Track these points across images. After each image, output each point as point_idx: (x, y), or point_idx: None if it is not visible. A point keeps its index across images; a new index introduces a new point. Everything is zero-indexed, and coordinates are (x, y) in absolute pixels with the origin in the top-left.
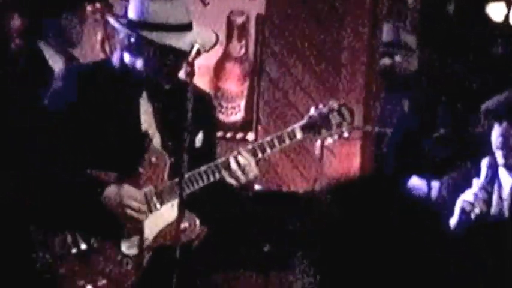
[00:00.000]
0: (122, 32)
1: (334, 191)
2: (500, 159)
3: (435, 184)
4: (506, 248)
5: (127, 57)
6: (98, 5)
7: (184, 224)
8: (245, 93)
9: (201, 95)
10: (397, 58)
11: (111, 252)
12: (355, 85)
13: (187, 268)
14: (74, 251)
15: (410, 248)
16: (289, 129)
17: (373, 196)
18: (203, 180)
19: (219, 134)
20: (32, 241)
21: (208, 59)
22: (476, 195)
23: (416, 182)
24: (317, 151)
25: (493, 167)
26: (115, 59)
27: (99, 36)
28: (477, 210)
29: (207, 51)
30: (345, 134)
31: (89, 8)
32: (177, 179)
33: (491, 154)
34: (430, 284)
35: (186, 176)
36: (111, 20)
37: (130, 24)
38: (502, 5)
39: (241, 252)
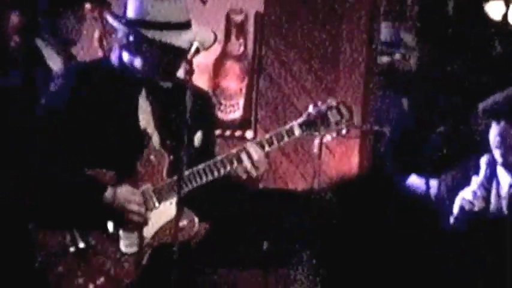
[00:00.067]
0: (121, 30)
1: (333, 189)
2: (498, 158)
3: (433, 183)
4: (505, 245)
5: (126, 56)
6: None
7: (182, 222)
8: (244, 91)
9: (200, 93)
10: (396, 57)
11: (110, 250)
12: (353, 83)
13: (186, 266)
14: (72, 249)
15: (408, 245)
16: (287, 126)
17: (371, 194)
18: (201, 179)
19: (218, 132)
20: (30, 240)
21: (207, 57)
22: (475, 192)
23: (414, 181)
24: (315, 149)
25: (492, 165)
26: (114, 58)
27: (97, 34)
28: (476, 208)
29: (205, 49)
30: (343, 132)
31: (87, 6)
32: (175, 177)
33: (490, 152)
34: (429, 281)
35: (185, 174)
36: (110, 19)
37: (129, 23)
38: (501, 3)
39: (240, 250)
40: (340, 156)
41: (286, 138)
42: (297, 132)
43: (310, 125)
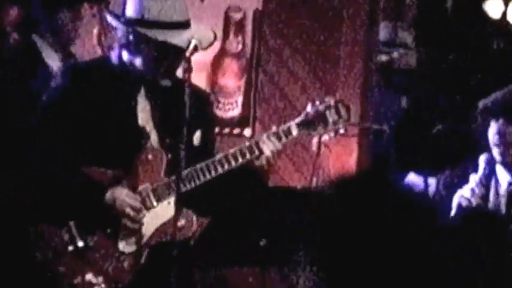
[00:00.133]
0: (121, 29)
1: (331, 187)
2: (497, 156)
3: (432, 181)
4: (504, 243)
5: (125, 55)
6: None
7: (181, 222)
8: (242, 89)
9: (199, 92)
10: (395, 55)
11: (108, 249)
12: (352, 81)
13: (184, 265)
14: (71, 248)
15: (406, 243)
16: (285, 126)
17: (369, 192)
18: (200, 178)
19: (216, 129)
20: (29, 239)
21: (205, 55)
22: (473, 190)
23: (413, 179)
24: (314, 147)
25: (491, 164)
26: (113, 57)
27: (95, 31)
28: (474, 205)
29: (204, 48)
30: (341, 131)
31: (85, 4)
32: (173, 177)
33: (489, 150)
34: (428, 279)
35: (183, 173)
36: (110, 18)
37: (129, 22)
38: (500, 2)
39: (237, 248)
40: (339, 154)
41: (284, 139)
42: (295, 131)
43: (308, 125)
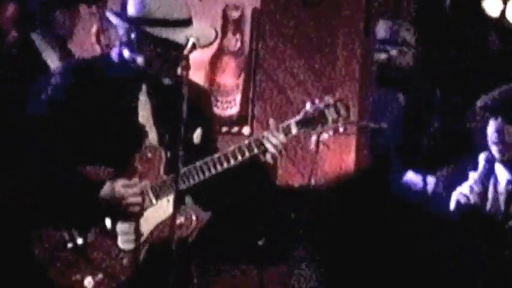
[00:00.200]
0: (122, 27)
1: (330, 185)
2: (496, 155)
3: (431, 179)
4: (502, 241)
5: (126, 53)
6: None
7: (180, 219)
8: (240, 87)
9: (199, 90)
10: (393, 53)
11: (108, 246)
12: (350, 79)
13: (182, 262)
14: (70, 245)
15: (404, 240)
16: (284, 124)
17: (368, 190)
18: (199, 176)
19: None
20: (29, 237)
21: (203, 53)
22: (471, 187)
23: (412, 177)
24: (313, 145)
25: (490, 162)
26: (114, 54)
27: (94, 29)
28: (471, 202)
29: (206, 46)
30: (340, 129)
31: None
32: (173, 174)
33: (488, 149)
34: (427, 278)
35: (182, 171)
36: (110, 16)
37: (131, 20)
38: (498, 0)
39: (236, 245)
40: (337, 152)
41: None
42: (294, 130)
43: (307, 123)
